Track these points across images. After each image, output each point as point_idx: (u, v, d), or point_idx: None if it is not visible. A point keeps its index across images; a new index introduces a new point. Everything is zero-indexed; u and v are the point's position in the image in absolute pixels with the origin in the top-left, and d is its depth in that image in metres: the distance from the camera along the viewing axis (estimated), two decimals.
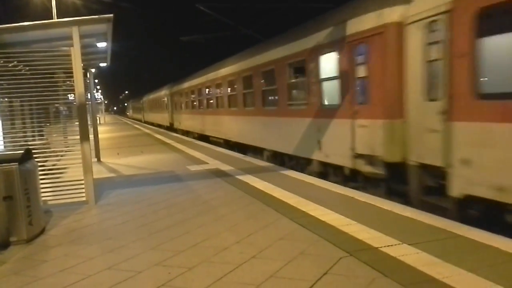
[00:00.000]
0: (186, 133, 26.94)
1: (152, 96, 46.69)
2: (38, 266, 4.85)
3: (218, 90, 19.40)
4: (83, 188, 7.70)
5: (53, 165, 8.56)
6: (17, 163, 5.71)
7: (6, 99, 8.42)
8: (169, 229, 5.93)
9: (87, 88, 11.44)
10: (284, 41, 12.24)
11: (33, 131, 9.05)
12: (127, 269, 4.55)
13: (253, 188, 8.28)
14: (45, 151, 8.19)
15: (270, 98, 13.38)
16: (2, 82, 7.90)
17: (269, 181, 8.89)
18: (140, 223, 6.35)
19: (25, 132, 8.76)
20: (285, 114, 12.06)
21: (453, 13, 6.18)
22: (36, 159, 6.68)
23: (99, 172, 11.39)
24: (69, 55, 7.58)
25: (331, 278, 4.01)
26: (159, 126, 38.55)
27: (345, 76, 9.03)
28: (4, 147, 7.81)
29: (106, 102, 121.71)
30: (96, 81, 46.71)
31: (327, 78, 9.83)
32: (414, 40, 7.13)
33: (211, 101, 20.63)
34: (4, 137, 7.92)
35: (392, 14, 7.63)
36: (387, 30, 7.69)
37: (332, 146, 9.60)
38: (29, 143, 8.10)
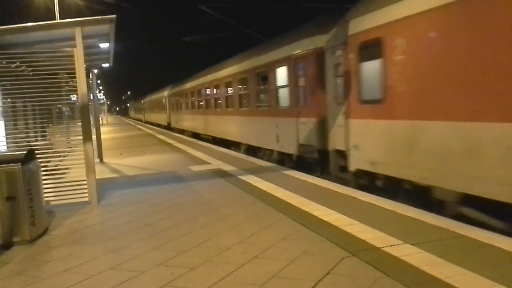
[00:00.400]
0: (181, 131, 29.30)
1: (152, 97, 50.04)
2: (41, 266, 4.86)
3: (206, 94, 22.10)
4: (85, 189, 7.71)
5: (56, 165, 8.57)
6: (20, 164, 5.73)
7: (9, 100, 8.44)
8: (172, 229, 5.94)
9: (89, 88, 11.47)
10: (254, 54, 15.14)
11: (35, 132, 9.07)
12: (129, 269, 4.56)
13: (255, 188, 8.29)
14: (47, 152, 8.21)
15: (244, 101, 16.11)
16: (5, 83, 7.92)
17: (271, 181, 8.89)
18: (142, 223, 6.36)
19: (27, 132, 8.78)
20: (255, 114, 14.89)
21: (347, 44, 8.77)
22: (39, 160, 6.70)
23: (101, 172, 11.41)
24: (72, 56, 7.60)
25: (334, 278, 4.01)
26: (159, 125, 40.83)
27: (291, 84, 11.90)
28: (7, 147, 7.83)
29: (108, 102, 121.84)
30: (99, 81, 46.83)
31: (281, 85, 12.61)
32: (329, 61, 9.86)
33: (201, 103, 23.38)
34: (7, 138, 7.94)
35: (318, 41, 10.53)
36: (315, 52, 10.64)
37: (285, 139, 12.34)
38: (32, 143, 8.12)
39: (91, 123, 10.24)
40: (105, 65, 14.45)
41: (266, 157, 13.87)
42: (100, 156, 14.43)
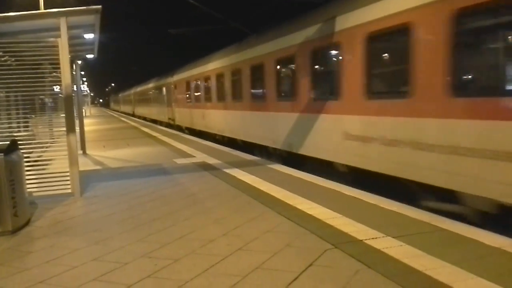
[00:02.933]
0: (139, 117, 46.74)
1: (125, 93, 69.94)
2: (23, 257, 4.83)
3: (144, 95, 42.32)
4: (68, 180, 7.65)
5: (39, 156, 8.46)
6: (2, 154, 5.66)
7: None
8: (156, 222, 5.94)
9: (73, 80, 11.32)
10: (161, 78, 32.60)
11: (18, 123, 8.94)
12: (113, 261, 4.55)
13: (240, 182, 8.31)
14: (30, 143, 8.10)
15: (156, 99, 34.95)
16: None
17: (256, 174, 8.92)
18: (126, 215, 6.34)
19: (10, 123, 8.64)
20: (160, 106, 32.52)
21: (174, 83, 27.57)
22: (22, 151, 6.62)
23: (85, 164, 11.31)
24: (56, 46, 7.50)
25: (316, 270, 4.06)
26: (128, 114, 58.61)
27: (166, 95, 30.11)
28: None
29: (92, 94, 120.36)
30: (83, 73, 46.53)
31: (164, 95, 30.64)
32: (174, 88, 27.45)
33: (145, 100, 42.48)
34: None
35: (172, 79, 27.93)
36: (171, 84, 28.05)
37: (167, 116, 29.93)
38: (14, 134, 8.00)
39: (75, 114, 10.13)
40: (90, 56, 14.30)
41: (164, 125, 29.74)
42: (83, 148, 14.31)
